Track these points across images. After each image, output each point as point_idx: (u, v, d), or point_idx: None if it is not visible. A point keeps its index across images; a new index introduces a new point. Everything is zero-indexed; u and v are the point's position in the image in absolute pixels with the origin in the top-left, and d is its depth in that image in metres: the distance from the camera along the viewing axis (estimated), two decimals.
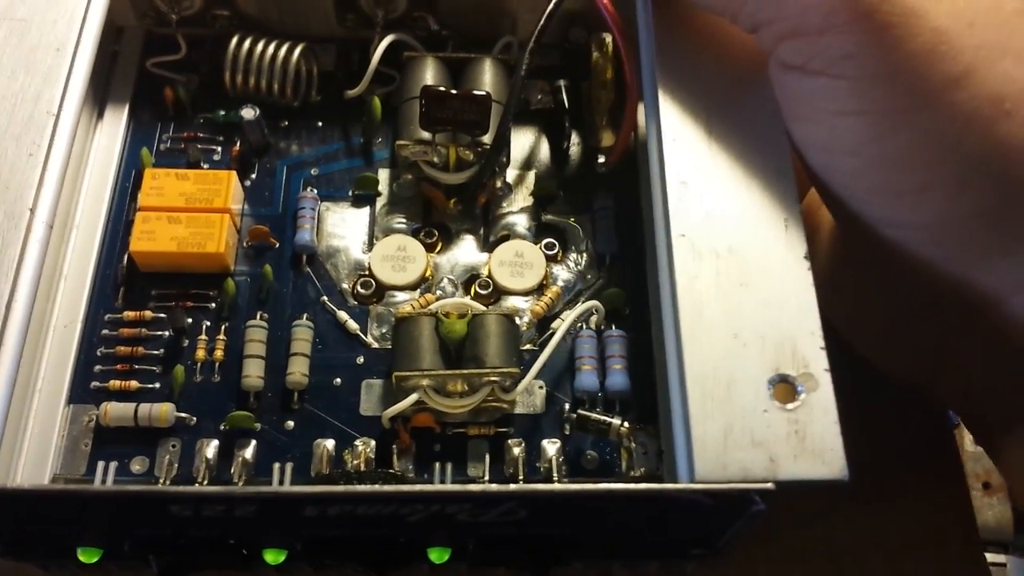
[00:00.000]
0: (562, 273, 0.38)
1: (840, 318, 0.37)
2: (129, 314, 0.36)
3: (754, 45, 0.33)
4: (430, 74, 0.39)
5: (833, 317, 0.36)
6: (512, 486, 0.28)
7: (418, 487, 0.27)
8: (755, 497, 0.28)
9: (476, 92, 0.36)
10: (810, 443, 0.29)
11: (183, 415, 0.34)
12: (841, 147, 0.32)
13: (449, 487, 0.30)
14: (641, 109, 0.38)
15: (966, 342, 0.37)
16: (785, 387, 0.29)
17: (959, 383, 0.38)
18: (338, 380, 0.35)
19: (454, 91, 0.36)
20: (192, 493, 0.27)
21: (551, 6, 0.37)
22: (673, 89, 0.35)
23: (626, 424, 0.34)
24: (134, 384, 0.34)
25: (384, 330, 0.36)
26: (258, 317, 0.36)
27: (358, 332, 0.36)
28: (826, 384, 0.29)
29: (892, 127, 0.30)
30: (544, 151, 0.41)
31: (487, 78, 0.39)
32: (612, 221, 0.39)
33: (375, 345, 0.36)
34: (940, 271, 0.32)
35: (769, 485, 0.28)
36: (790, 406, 0.29)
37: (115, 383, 0.34)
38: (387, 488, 0.26)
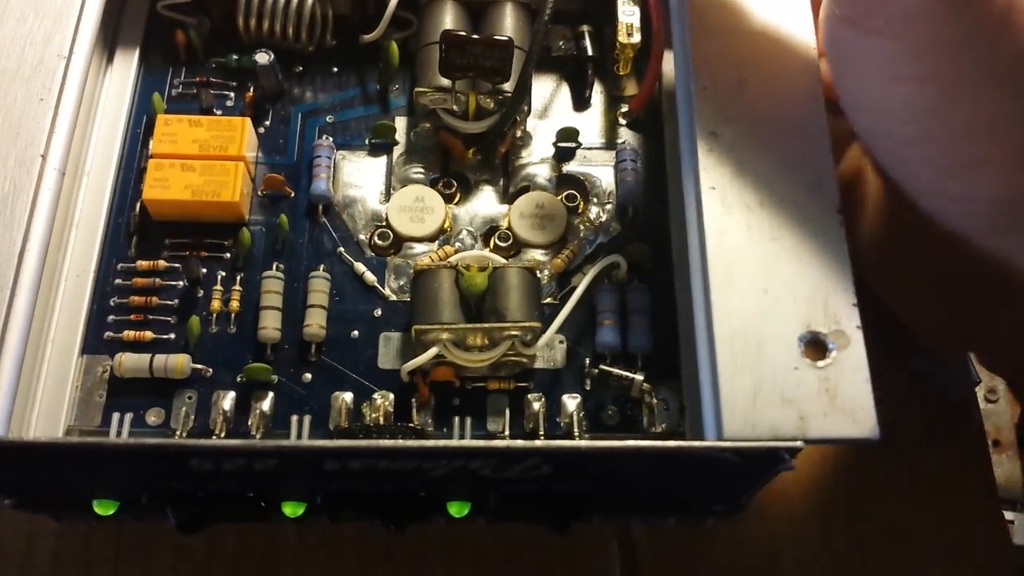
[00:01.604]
0: (583, 226, 0.37)
1: (880, 281, 0.37)
2: (142, 264, 0.35)
3: None
4: (449, 18, 0.38)
5: (872, 279, 0.35)
6: (538, 443, 0.27)
7: (443, 442, 0.27)
8: (784, 456, 0.27)
9: (498, 37, 0.35)
10: (841, 401, 0.28)
11: (199, 366, 0.33)
12: (895, 115, 0.30)
13: (475, 443, 0.29)
14: (668, 57, 0.37)
15: (1008, 312, 0.36)
16: (816, 344, 0.29)
17: (998, 348, 0.38)
18: (356, 333, 0.35)
19: (475, 36, 0.35)
20: (214, 447, 0.27)
21: None
22: (704, 37, 0.33)
23: (647, 381, 0.33)
24: (148, 335, 0.34)
25: (402, 282, 0.36)
26: (274, 268, 0.35)
27: (376, 284, 0.35)
28: (858, 342, 0.29)
29: (955, 97, 0.28)
30: (565, 100, 0.40)
31: (508, 23, 0.38)
32: (634, 173, 0.38)
33: (393, 298, 0.35)
34: (986, 245, 0.31)
35: (799, 444, 0.27)
36: (821, 364, 0.28)
37: (129, 334, 0.34)
38: (412, 443, 0.26)
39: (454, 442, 0.30)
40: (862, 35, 0.29)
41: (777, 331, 0.29)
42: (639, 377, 0.33)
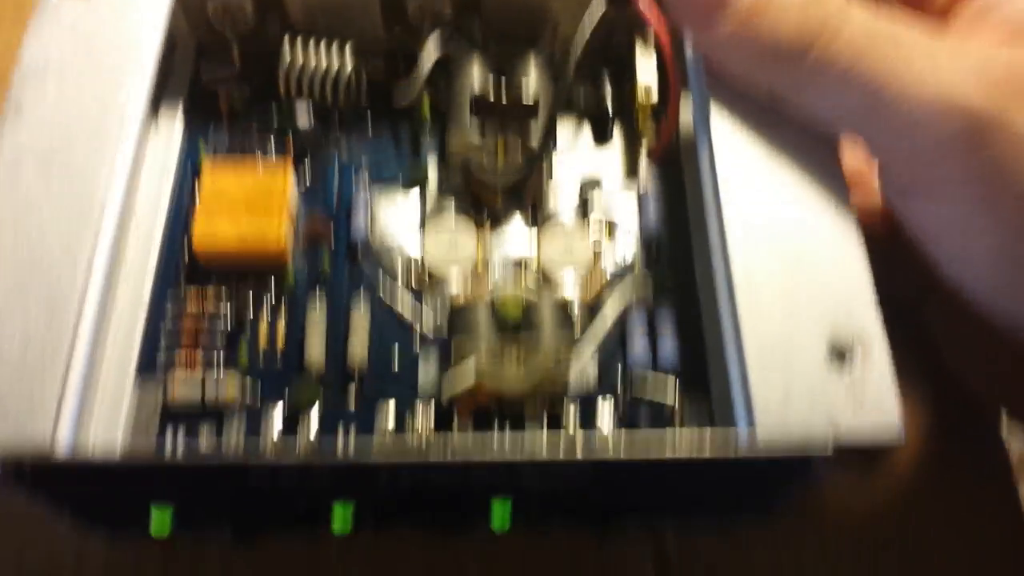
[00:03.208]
0: (610, 261, 0.39)
1: (961, 362, 0.38)
2: (191, 303, 0.37)
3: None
4: (477, 76, 0.40)
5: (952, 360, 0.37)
6: (579, 453, 0.29)
7: (488, 458, 0.28)
8: (815, 459, 0.29)
9: (525, 103, 0.38)
10: (868, 409, 0.29)
11: (247, 391, 0.35)
12: (976, 266, 0.33)
13: (516, 459, 0.30)
14: (687, 97, 0.40)
15: None
16: (841, 351, 0.30)
17: None
18: (396, 365, 0.36)
19: (503, 101, 0.38)
20: (278, 465, 0.28)
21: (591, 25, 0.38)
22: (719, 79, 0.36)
23: (678, 395, 0.35)
24: (198, 362, 0.35)
25: (438, 319, 0.37)
26: (317, 302, 0.37)
27: (413, 321, 0.37)
28: (881, 347, 0.30)
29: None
30: (588, 142, 0.42)
31: (532, 74, 0.40)
32: (657, 205, 0.40)
33: (430, 335, 0.37)
34: None
35: (828, 448, 0.29)
36: (847, 369, 0.30)
37: (180, 361, 0.35)
38: (465, 460, 0.28)
39: (500, 457, 0.31)
40: (919, 201, 0.32)
41: (804, 341, 0.31)
42: (670, 402, 0.34)
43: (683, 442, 0.31)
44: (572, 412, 0.35)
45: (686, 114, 0.40)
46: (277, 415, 0.34)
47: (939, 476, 0.40)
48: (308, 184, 0.40)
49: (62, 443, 0.29)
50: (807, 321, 0.31)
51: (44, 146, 0.34)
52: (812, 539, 0.39)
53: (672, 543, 0.38)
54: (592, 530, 0.33)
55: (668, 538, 0.38)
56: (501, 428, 0.34)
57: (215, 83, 0.42)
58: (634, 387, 0.35)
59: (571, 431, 0.34)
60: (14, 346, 0.30)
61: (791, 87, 0.34)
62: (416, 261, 0.39)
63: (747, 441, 0.29)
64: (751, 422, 0.29)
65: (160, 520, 0.30)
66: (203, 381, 0.34)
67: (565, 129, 0.42)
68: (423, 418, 0.34)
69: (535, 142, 0.39)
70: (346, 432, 0.34)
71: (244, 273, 0.37)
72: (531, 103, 0.38)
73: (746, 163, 0.34)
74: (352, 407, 0.35)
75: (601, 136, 0.42)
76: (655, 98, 0.41)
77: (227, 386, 0.34)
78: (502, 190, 0.40)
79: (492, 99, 0.39)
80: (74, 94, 0.36)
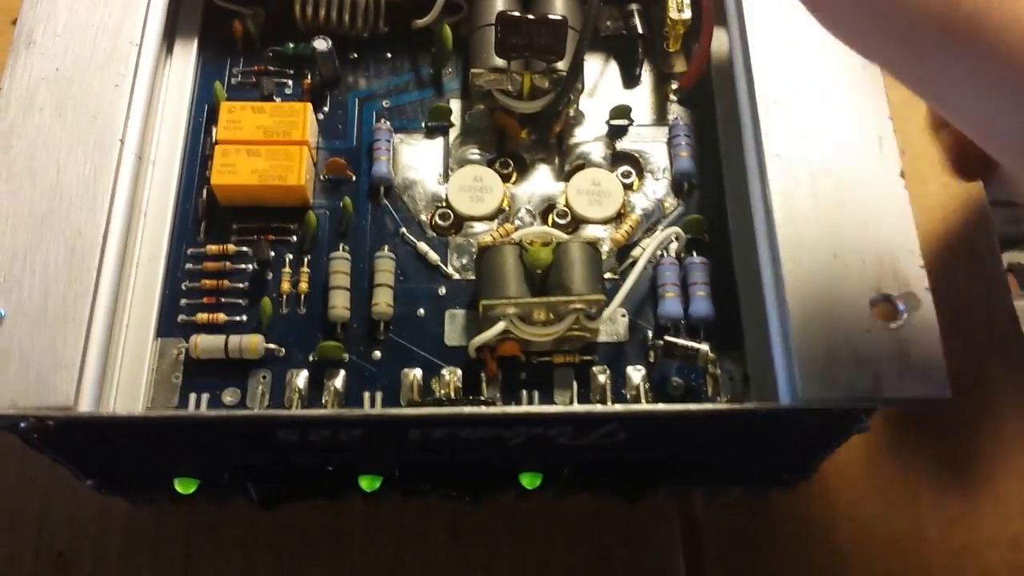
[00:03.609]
0: (640, 201, 0.37)
1: None
2: (212, 248, 0.36)
3: None
4: (501, 1, 0.38)
5: None
6: (618, 407, 0.28)
7: (527, 408, 0.27)
8: (861, 416, 0.28)
9: (552, 17, 0.36)
10: (914, 361, 0.28)
11: (272, 346, 0.34)
12: None
13: (559, 408, 0.30)
14: (719, 33, 0.38)
15: None
16: (887, 306, 0.29)
17: None
18: (421, 311, 0.35)
19: (530, 16, 0.36)
20: (307, 417, 0.27)
21: None
22: (758, 9, 0.34)
23: (711, 348, 0.34)
24: (221, 317, 0.34)
25: (464, 261, 0.36)
26: (340, 249, 0.36)
27: (439, 263, 0.36)
28: (928, 303, 0.29)
29: None
30: (616, 78, 0.40)
31: (558, 4, 0.38)
32: (688, 147, 0.38)
33: (456, 276, 0.36)
34: None
35: (875, 404, 0.28)
36: (893, 325, 0.29)
37: (202, 316, 0.34)
38: (498, 410, 0.26)
39: (537, 408, 0.30)
40: None
41: (848, 294, 0.29)
42: (704, 347, 0.33)
43: (722, 393, 0.30)
44: (602, 363, 0.34)
45: (716, 46, 0.38)
46: (303, 370, 0.33)
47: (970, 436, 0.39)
48: (327, 123, 0.39)
49: (86, 399, 0.28)
50: (853, 272, 0.30)
51: (58, 78, 0.33)
52: (843, 496, 0.38)
53: (699, 504, 0.38)
54: (623, 496, 0.32)
55: (695, 499, 0.38)
56: (530, 379, 0.34)
57: (229, 2, 0.40)
58: (665, 337, 0.34)
59: (601, 381, 0.33)
60: (34, 299, 0.29)
61: (918, 65, 0.24)
62: (441, 201, 0.37)
63: (790, 394, 0.28)
64: (792, 376, 0.28)
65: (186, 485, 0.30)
66: (226, 338, 0.33)
67: (592, 67, 0.40)
68: (449, 373, 0.33)
69: (563, 64, 0.37)
70: (372, 385, 0.33)
71: (263, 215, 0.36)
72: (559, 17, 0.36)
73: (789, 100, 0.33)
74: (378, 357, 0.34)
75: (630, 62, 0.40)
76: (688, 12, 0.39)
77: (250, 349, 0.33)
78: (527, 120, 0.38)
79: (518, 14, 0.37)
80: (86, 19, 0.34)
